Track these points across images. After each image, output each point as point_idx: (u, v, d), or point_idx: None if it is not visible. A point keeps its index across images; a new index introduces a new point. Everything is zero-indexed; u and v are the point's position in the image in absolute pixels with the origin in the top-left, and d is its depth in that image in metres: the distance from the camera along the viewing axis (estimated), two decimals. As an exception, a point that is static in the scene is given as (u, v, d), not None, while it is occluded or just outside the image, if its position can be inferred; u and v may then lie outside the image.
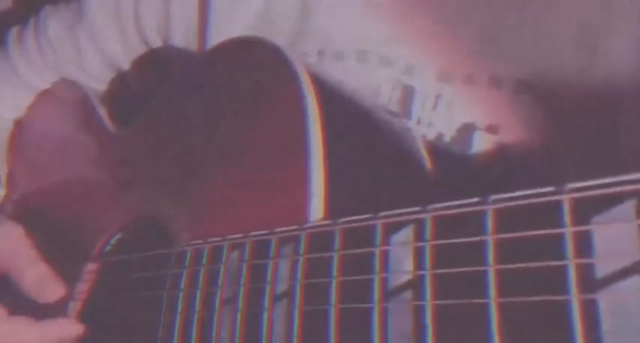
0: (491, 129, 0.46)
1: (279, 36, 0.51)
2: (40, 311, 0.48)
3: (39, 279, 0.49)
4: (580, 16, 0.44)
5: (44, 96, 0.68)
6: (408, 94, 0.48)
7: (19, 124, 0.70)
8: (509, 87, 0.46)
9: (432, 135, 0.48)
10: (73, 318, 0.49)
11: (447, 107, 0.47)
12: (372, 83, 0.49)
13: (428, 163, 0.43)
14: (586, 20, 0.44)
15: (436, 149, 0.46)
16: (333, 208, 0.35)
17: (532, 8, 0.45)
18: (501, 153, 0.45)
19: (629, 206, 0.23)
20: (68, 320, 0.49)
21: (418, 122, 0.48)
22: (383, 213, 0.30)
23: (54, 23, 0.65)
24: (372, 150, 0.41)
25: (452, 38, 0.48)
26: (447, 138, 0.47)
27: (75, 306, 0.50)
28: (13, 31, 0.70)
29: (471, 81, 0.47)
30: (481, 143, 0.46)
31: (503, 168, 0.45)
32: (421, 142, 0.45)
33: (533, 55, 0.45)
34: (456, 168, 0.46)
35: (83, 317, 0.50)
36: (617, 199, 0.23)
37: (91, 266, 0.51)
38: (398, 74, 0.49)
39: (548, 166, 0.44)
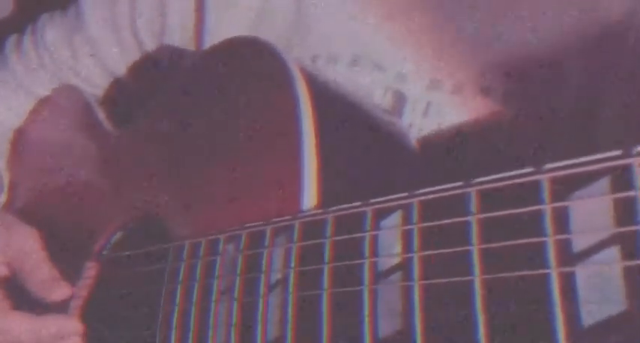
0: (480, 134, 0.47)
1: (274, 41, 0.52)
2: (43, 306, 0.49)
3: (43, 280, 0.50)
4: (570, 16, 0.45)
5: (45, 103, 0.69)
6: (399, 100, 0.49)
7: (20, 131, 0.71)
8: (496, 96, 0.47)
9: None
10: (72, 315, 0.50)
11: (437, 114, 0.48)
12: (364, 87, 0.50)
13: (417, 152, 0.44)
14: (578, 18, 0.45)
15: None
16: (326, 197, 0.36)
17: (519, 12, 0.47)
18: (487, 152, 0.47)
19: (603, 182, 0.24)
20: (65, 316, 0.50)
21: (409, 127, 0.49)
22: (372, 200, 0.31)
23: (51, 29, 0.66)
24: (362, 141, 0.42)
25: (442, 47, 0.49)
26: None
27: (76, 303, 0.51)
28: (12, 38, 0.71)
29: (459, 90, 0.48)
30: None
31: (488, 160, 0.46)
32: (411, 137, 0.46)
33: (521, 59, 0.46)
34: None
35: (84, 313, 0.51)
36: (592, 177, 0.24)
37: (91, 265, 0.52)
38: (389, 80, 0.50)
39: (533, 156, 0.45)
